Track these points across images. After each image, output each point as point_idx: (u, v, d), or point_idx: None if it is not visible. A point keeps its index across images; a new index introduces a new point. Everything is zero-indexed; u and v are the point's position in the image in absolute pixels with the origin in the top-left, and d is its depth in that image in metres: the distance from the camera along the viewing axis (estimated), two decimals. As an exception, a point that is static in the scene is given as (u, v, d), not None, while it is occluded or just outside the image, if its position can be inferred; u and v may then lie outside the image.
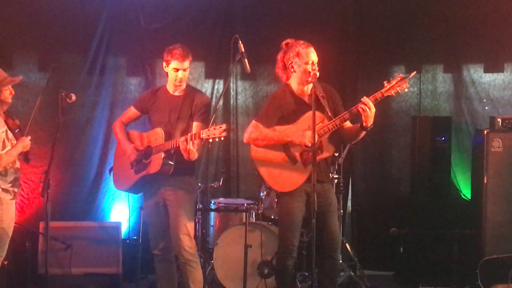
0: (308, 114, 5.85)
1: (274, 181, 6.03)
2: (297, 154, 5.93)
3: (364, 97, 5.70)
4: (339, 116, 5.82)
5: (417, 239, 8.03)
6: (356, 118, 5.86)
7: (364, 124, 5.75)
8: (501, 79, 8.75)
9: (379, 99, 5.71)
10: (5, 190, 5.71)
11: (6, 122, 5.81)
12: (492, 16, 8.58)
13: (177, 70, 6.21)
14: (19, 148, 5.76)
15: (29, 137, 5.88)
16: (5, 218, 5.75)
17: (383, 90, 5.71)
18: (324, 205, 5.84)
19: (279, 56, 6.06)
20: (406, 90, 5.73)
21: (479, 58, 8.79)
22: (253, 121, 6.11)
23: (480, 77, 8.78)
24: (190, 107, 6.23)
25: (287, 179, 5.95)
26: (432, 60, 8.87)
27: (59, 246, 7.69)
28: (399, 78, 5.69)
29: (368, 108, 5.65)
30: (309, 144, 5.72)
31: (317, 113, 5.71)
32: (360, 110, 5.68)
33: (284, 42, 6.07)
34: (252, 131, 6.04)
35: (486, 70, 8.77)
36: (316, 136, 5.68)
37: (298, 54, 5.91)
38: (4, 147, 5.65)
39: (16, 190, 5.83)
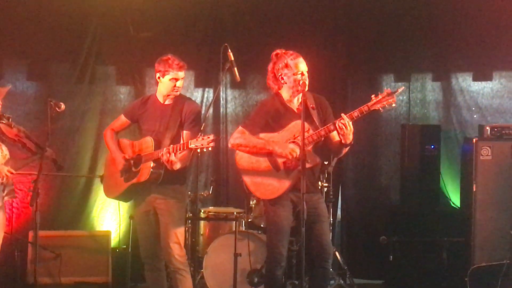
0: (294, 123, 5.86)
1: (256, 187, 6.02)
2: (280, 162, 5.91)
3: (342, 114, 5.65)
4: (324, 127, 5.80)
5: (406, 247, 8.03)
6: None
7: (342, 141, 5.75)
8: (490, 88, 8.77)
9: (365, 113, 5.65)
10: None
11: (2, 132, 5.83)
12: (480, 25, 8.59)
13: (176, 80, 6.23)
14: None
15: (6, 168, 5.89)
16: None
17: (369, 104, 5.65)
18: (313, 215, 5.82)
19: (269, 67, 6.05)
20: (394, 105, 5.69)
21: (467, 66, 8.81)
22: (240, 127, 6.11)
23: (468, 85, 8.81)
24: (180, 116, 6.25)
25: (269, 186, 5.94)
26: (421, 68, 8.89)
27: (49, 255, 7.67)
28: (386, 93, 5.65)
29: (345, 126, 5.62)
30: (290, 157, 5.75)
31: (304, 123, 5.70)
32: (337, 128, 5.67)
33: (273, 53, 6.05)
34: (237, 137, 6.04)
35: (475, 79, 8.80)
36: (298, 152, 5.70)
37: (287, 65, 5.90)
38: None
39: (6, 198, 5.81)
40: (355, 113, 5.65)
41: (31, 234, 7.63)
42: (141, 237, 6.50)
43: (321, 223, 5.96)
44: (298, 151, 5.70)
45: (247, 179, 6.04)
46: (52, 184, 8.35)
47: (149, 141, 6.19)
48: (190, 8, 8.70)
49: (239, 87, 8.80)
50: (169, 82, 6.26)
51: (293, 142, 5.84)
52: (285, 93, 6.02)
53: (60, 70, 8.55)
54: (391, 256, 8.00)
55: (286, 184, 5.88)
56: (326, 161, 7.27)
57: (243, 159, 6.07)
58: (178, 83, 6.28)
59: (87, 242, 7.99)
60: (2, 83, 6.02)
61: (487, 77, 8.78)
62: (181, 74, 6.27)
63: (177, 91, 6.31)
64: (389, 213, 8.54)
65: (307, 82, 5.84)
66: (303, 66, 5.92)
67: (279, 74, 5.95)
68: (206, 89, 8.82)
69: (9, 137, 5.97)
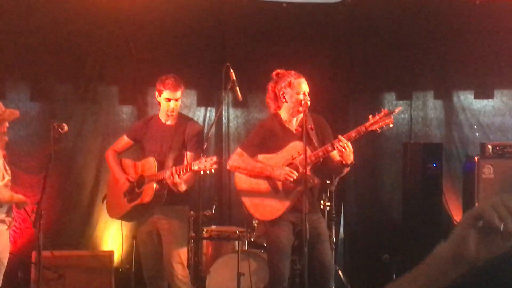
0: (292, 144, 5.87)
1: (255, 209, 6.02)
2: (279, 183, 5.92)
3: (340, 136, 5.66)
4: (322, 148, 5.79)
5: (409, 266, 7.91)
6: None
7: (343, 162, 5.75)
8: (491, 106, 8.80)
9: (362, 133, 5.65)
10: (1, 221, 5.71)
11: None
12: (481, 43, 8.64)
13: (169, 100, 6.25)
14: (12, 199, 5.77)
15: (27, 202, 5.92)
16: (1, 248, 5.75)
17: (366, 125, 5.64)
18: (313, 235, 5.77)
19: (270, 86, 6.05)
20: (391, 125, 5.70)
21: (469, 84, 8.84)
22: (238, 149, 6.13)
23: (470, 103, 8.84)
24: (182, 136, 6.27)
25: (268, 207, 5.94)
26: (423, 86, 8.92)
27: (52, 275, 7.64)
28: (383, 114, 5.64)
29: (343, 148, 5.62)
30: (287, 181, 5.77)
31: (302, 144, 5.70)
32: (336, 149, 5.66)
33: (274, 72, 6.06)
34: (235, 159, 6.06)
35: (476, 97, 8.83)
36: (299, 167, 5.71)
37: (290, 85, 5.90)
38: (2, 178, 5.65)
39: (10, 219, 5.82)
40: (353, 134, 5.64)
41: (34, 254, 7.61)
42: (144, 257, 6.51)
43: (322, 243, 5.95)
44: (295, 175, 5.71)
45: (246, 200, 6.05)
46: (55, 204, 8.35)
47: (151, 162, 6.21)
48: (192, 27, 8.73)
49: (241, 106, 8.82)
50: (164, 101, 6.29)
51: (292, 163, 5.84)
52: (284, 113, 6.02)
53: (62, 90, 8.56)
54: (394, 275, 7.99)
55: (285, 205, 5.88)
56: (328, 180, 7.27)
57: (241, 180, 6.08)
58: (171, 104, 6.27)
59: (90, 262, 7.97)
60: (5, 103, 6.00)
61: (488, 95, 8.81)
62: (176, 94, 6.27)
63: (172, 112, 6.31)
64: (391, 231, 8.54)
65: (309, 103, 5.85)
66: (305, 86, 5.93)
67: (281, 93, 5.94)
68: (209, 108, 8.85)
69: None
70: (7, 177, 5.71)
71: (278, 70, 6.06)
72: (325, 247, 5.96)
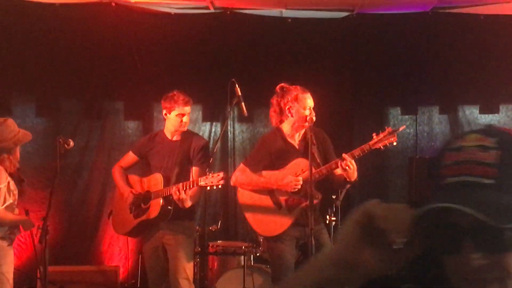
0: (296, 161, 5.88)
1: (258, 225, 6.03)
2: (282, 199, 5.92)
3: (344, 154, 5.65)
4: (326, 165, 5.79)
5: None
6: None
7: (347, 179, 5.75)
8: (496, 120, 8.79)
9: (366, 151, 5.67)
10: (2, 238, 5.71)
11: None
12: (486, 58, 8.64)
13: (182, 115, 6.28)
14: (14, 221, 5.78)
15: (32, 223, 5.94)
16: (3, 262, 5.75)
17: (370, 143, 5.66)
18: (316, 247, 5.76)
19: (275, 100, 6.03)
20: (394, 144, 5.69)
21: (474, 99, 8.84)
22: (241, 165, 6.15)
23: (475, 118, 8.83)
24: (188, 152, 6.28)
25: (271, 223, 5.94)
26: (428, 101, 8.91)
27: (57, 291, 7.66)
28: (387, 132, 5.65)
29: (347, 166, 5.61)
30: (294, 191, 5.79)
31: (305, 160, 5.71)
32: (341, 168, 5.65)
33: (278, 86, 6.05)
34: (238, 175, 6.08)
35: (482, 112, 8.82)
36: (301, 182, 5.72)
37: (296, 99, 5.89)
38: (4, 201, 5.65)
39: (13, 237, 5.83)
40: (356, 152, 5.65)
41: (40, 269, 7.62)
42: (150, 273, 6.51)
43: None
44: (301, 182, 5.74)
45: (249, 216, 6.07)
46: (61, 220, 8.36)
47: (158, 177, 6.22)
48: (198, 43, 8.77)
49: (246, 121, 8.83)
50: (176, 118, 6.30)
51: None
52: (287, 127, 6.01)
53: (68, 106, 8.59)
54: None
55: (288, 221, 5.87)
56: (334, 195, 7.26)
57: (244, 196, 6.10)
58: (185, 118, 6.31)
59: (96, 278, 7.96)
60: (12, 119, 6.03)
61: (493, 110, 8.81)
62: (187, 109, 6.30)
63: (184, 127, 6.35)
64: (397, 246, 8.49)
65: (314, 118, 5.86)
66: (310, 101, 5.93)
67: (287, 107, 5.93)
68: (214, 123, 8.86)
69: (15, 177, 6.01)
70: (10, 200, 5.71)
71: (282, 84, 6.05)
72: None
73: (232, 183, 6.17)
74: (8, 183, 5.71)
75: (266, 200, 5.98)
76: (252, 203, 6.04)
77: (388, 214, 1.60)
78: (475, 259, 1.53)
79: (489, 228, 1.48)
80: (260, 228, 6.02)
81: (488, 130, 1.60)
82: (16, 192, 5.81)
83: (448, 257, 1.60)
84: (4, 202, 5.65)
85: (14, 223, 5.77)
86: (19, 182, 5.93)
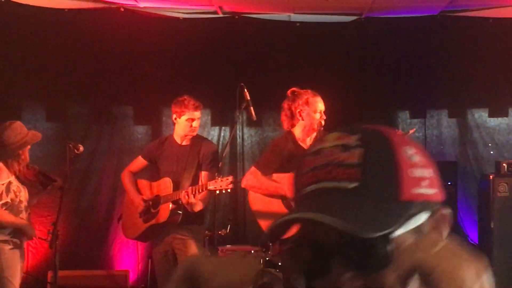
0: None
1: None
2: (293, 204, 5.91)
3: None
4: None
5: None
6: None
7: None
8: (506, 124, 8.79)
9: None
10: (3, 241, 5.71)
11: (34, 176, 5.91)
12: (495, 61, 8.63)
13: (192, 120, 6.29)
14: (14, 223, 5.78)
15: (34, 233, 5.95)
16: (5, 267, 5.73)
17: None
18: None
19: (286, 104, 6.04)
20: None
21: (483, 102, 8.84)
22: (253, 167, 6.14)
23: (484, 121, 8.82)
24: (197, 156, 6.29)
25: None
26: (437, 105, 8.91)
27: (67, 295, 7.67)
28: None
29: None
30: None
31: None
32: None
33: (290, 90, 6.05)
34: (249, 178, 6.07)
35: (491, 115, 8.81)
36: None
37: (307, 103, 5.91)
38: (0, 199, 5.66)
39: (17, 240, 5.81)
40: None
41: (50, 274, 7.63)
42: (159, 277, 6.52)
43: None
44: None
45: (261, 222, 6.06)
46: (71, 224, 8.38)
47: (167, 182, 6.24)
48: (207, 48, 8.79)
49: (255, 125, 8.84)
50: (186, 122, 6.31)
51: None
52: (298, 131, 6.02)
53: (78, 111, 8.63)
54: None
55: (299, 225, 5.87)
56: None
57: (256, 202, 6.10)
58: (194, 123, 6.32)
59: (106, 282, 7.98)
60: (22, 124, 6.05)
61: (503, 113, 8.80)
62: (197, 114, 6.32)
63: (193, 131, 6.36)
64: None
65: (323, 122, 5.88)
66: (321, 105, 5.96)
67: (298, 110, 5.94)
68: (223, 128, 8.88)
69: (28, 179, 6.03)
70: (7, 199, 5.70)
71: (294, 88, 6.06)
72: None
73: (242, 185, 6.18)
74: (10, 183, 5.72)
75: (278, 205, 5.98)
76: (265, 208, 6.03)
77: (217, 269, 1.46)
78: (346, 281, 1.27)
79: (358, 243, 1.23)
80: None
81: (350, 128, 1.35)
82: (20, 194, 5.81)
83: (316, 282, 1.32)
84: (0, 199, 5.65)
85: (12, 225, 5.75)
86: (45, 182, 5.97)
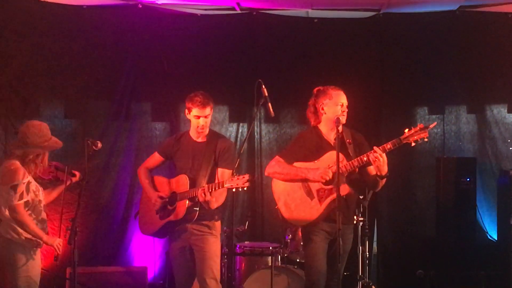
0: (329, 153, 5.98)
1: (290, 214, 6.14)
2: (314, 190, 6.00)
3: (375, 147, 5.74)
4: (357, 158, 5.85)
5: (443, 281, 7.97)
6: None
7: (378, 173, 5.80)
8: (524, 119, 8.74)
9: (397, 145, 5.71)
10: (28, 239, 5.74)
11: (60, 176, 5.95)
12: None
13: (198, 117, 6.27)
14: (36, 234, 5.79)
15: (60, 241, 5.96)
16: (31, 266, 5.77)
17: (402, 137, 5.72)
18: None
19: (311, 101, 6.17)
20: (426, 140, 5.72)
21: (502, 98, 8.78)
22: (277, 156, 6.28)
23: (503, 117, 8.76)
24: (214, 153, 6.29)
25: (302, 212, 6.05)
26: (455, 101, 8.86)
27: (86, 291, 7.70)
28: (419, 128, 5.69)
29: (377, 158, 5.69)
30: (323, 180, 5.89)
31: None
32: (371, 160, 5.74)
33: (315, 89, 6.17)
34: (273, 165, 6.21)
35: (510, 110, 8.75)
36: (331, 173, 5.78)
37: (329, 96, 6.01)
38: (21, 198, 5.67)
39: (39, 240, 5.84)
40: (388, 146, 5.72)
41: (68, 270, 7.67)
42: (177, 273, 6.52)
43: (343, 261, 6.08)
44: (330, 174, 5.84)
45: (281, 205, 6.16)
46: (89, 221, 8.40)
47: (184, 179, 6.24)
48: (224, 44, 8.81)
49: (273, 122, 8.85)
50: (193, 119, 6.31)
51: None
52: (323, 127, 6.13)
53: (96, 108, 8.64)
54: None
55: (317, 212, 5.95)
56: (361, 195, 7.25)
57: (278, 185, 6.21)
58: (201, 121, 6.29)
59: (124, 278, 8.00)
60: (41, 121, 6.05)
61: (522, 108, 8.74)
62: (204, 111, 6.28)
63: (201, 129, 6.34)
64: (425, 246, 8.47)
65: (345, 115, 5.97)
66: (343, 98, 6.06)
67: (320, 105, 6.06)
68: (241, 124, 8.89)
69: (46, 178, 6.05)
70: (27, 198, 5.71)
71: (320, 87, 6.17)
72: (342, 266, 6.08)
73: (266, 173, 6.36)
74: (29, 182, 5.73)
75: (299, 190, 6.09)
76: (285, 192, 6.16)
77: None
78: None
79: None
80: (292, 218, 6.10)
81: None
82: (39, 193, 5.83)
83: None
84: (21, 198, 5.67)
85: (33, 233, 5.77)
86: (62, 176, 6.01)
